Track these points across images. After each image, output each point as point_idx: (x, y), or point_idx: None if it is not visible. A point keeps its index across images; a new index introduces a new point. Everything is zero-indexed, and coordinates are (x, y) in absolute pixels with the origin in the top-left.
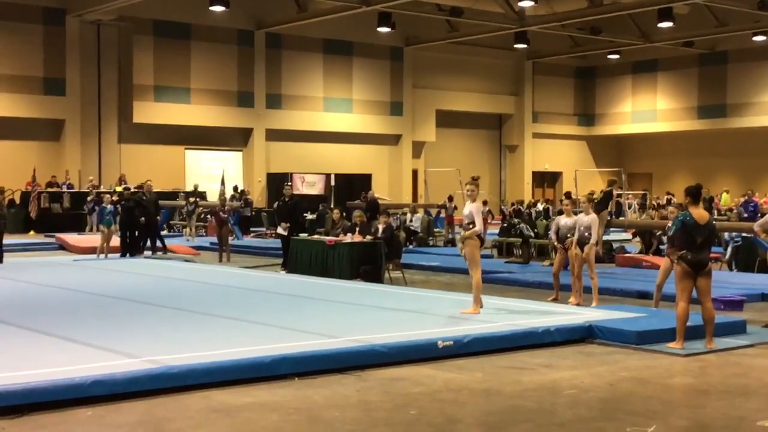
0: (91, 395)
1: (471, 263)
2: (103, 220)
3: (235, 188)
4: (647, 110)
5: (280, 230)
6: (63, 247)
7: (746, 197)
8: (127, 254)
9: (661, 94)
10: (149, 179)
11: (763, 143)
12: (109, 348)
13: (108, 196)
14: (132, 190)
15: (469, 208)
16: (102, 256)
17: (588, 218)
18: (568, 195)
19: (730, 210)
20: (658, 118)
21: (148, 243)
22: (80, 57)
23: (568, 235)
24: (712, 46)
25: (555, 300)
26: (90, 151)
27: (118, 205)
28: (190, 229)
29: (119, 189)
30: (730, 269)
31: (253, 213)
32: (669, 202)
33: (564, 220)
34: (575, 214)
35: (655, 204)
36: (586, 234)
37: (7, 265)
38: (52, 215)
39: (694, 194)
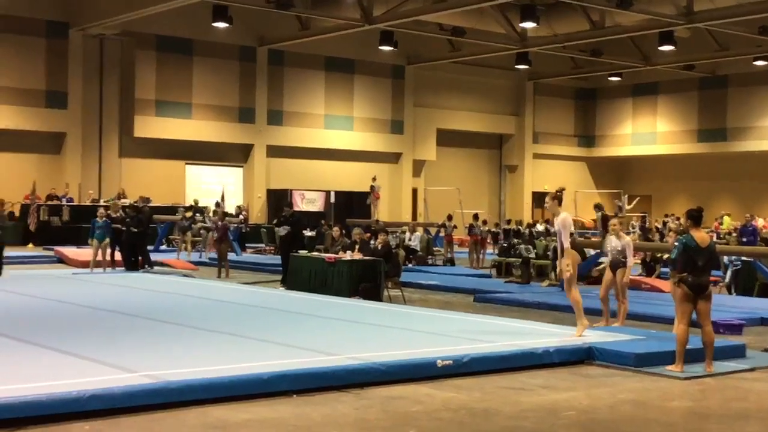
0: (88, 409)
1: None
2: (93, 233)
3: (217, 204)
4: (647, 132)
5: (281, 231)
6: (62, 260)
7: (746, 221)
8: (138, 269)
9: (661, 117)
10: (141, 195)
11: (763, 167)
12: (108, 362)
13: (102, 209)
14: (130, 204)
15: (622, 243)
16: (99, 270)
17: (621, 242)
18: (615, 215)
19: (729, 233)
20: (658, 140)
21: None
22: (82, 71)
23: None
24: (713, 69)
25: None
26: (90, 164)
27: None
28: (186, 245)
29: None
30: (730, 293)
31: (248, 229)
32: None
33: (614, 242)
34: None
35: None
36: (621, 258)
37: (6, 277)
38: (51, 228)
39: (695, 217)
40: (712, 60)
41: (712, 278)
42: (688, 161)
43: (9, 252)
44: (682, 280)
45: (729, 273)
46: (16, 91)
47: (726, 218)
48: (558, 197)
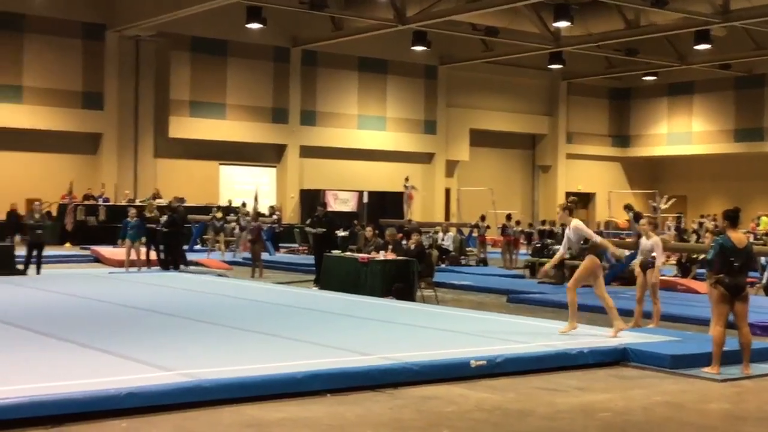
0: (125, 407)
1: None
2: (125, 234)
3: (243, 204)
4: (683, 132)
5: (312, 230)
6: (98, 259)
7: None
8: (170, 268)
9: (697, 117)
10: (176, 195)
11: None
12: (144, 360)
13: (133, 210)
14: (166, 204)
15: (651, 243)
16: (135, 269)
17: (650, 242)
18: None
19: (767, 234)
20: (693, 140)
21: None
22: (118, 72)
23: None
24: (750, 69)
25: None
26: (126, 164)
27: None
28: (220, 245)
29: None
30: (766, 294)
31: (281, 229)
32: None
33: (643, 242)
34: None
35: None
36: (651, 258)
37: (43, 276)
38: (87, 228)
39: (732, 218)
40: (749, 59)
41: (748, 279)
42: (725, 161)
43: (46, 251)
44: (718, 281)
45: (766, 274)
46: (53, 92)
47: (763, 219)
48: (569, 208)
